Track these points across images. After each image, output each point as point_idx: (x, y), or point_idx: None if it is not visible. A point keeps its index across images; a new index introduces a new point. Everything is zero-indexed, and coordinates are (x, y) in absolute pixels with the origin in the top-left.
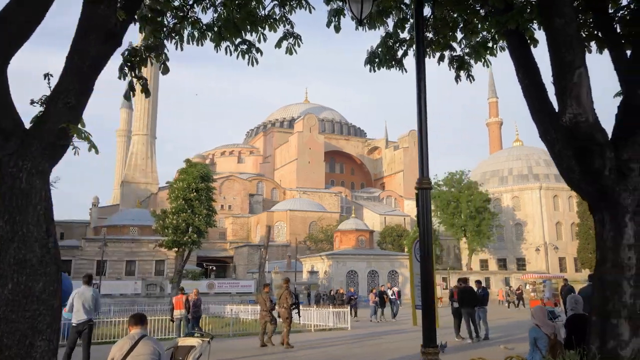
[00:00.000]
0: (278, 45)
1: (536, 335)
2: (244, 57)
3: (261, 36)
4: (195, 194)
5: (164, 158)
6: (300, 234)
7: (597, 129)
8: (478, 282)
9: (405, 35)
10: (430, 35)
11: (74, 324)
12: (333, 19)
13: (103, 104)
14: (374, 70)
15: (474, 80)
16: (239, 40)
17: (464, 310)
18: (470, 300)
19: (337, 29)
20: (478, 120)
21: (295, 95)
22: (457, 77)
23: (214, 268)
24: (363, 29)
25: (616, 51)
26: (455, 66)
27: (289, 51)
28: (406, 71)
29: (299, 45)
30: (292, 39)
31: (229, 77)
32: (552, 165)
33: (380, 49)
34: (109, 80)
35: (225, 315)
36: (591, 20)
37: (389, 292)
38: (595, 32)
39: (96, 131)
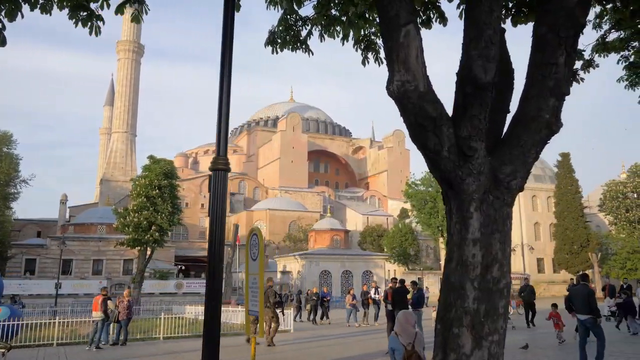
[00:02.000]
0: (119, 11)
1: (393, 345)
2: (84, 26)
3: (104, 3)
4: (157, 191)
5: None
6: (280, 233)
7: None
8: (413, 283)
9: (309, 12)
10: (337, 13)
11: None
12: None
13: (88, 104)
14: (277, 52)
15: (382, 63)
16: (74, 4)
17: (397, 312)
18: (404, 302)
19: (237, 7)
20: None
21: (282, 94)
22: (365, 60)
23: (183, 267)
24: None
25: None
26: (362, 47)
27: (135, 19)
28: (312, 53)
29: (146, 13)
30: (136, 4)
31: (215, 75)
32: None
33: (280, 28)
34: (93, 79)
35: (185, 315)
36: None
37: (372, 292)
38: None
39: (82, 132)
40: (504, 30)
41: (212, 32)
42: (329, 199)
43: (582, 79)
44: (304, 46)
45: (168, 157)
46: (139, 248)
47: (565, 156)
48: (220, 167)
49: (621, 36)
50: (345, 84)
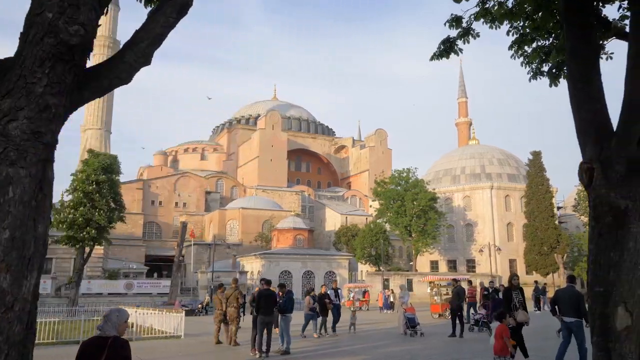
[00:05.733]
0: None
1: None
2: None
3: None
4: (95, 186)
5: (131, 154)
6: (253, 232)
7: None
8: (281, 286)
9: None
10: None
11: None
12: None
13: None
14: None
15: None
16: None
17: (260, 318)
18: (268, 307)
19: None
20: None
21: (267, 93)
22: None
23: (135, 267)
24: None
25: None
26: None
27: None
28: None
29: None
30: None
31: (201, 73)
32: (506, 164)
33: None
34: None
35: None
36: None
37: (332, 294)
38: None
39: (70, 129)
40: None
41: (196, 29)
42: (309, 198)
43: (461, 50)
44: None
45: (148, 156)
46: (77, 247)
47: (537, 155)
48: None
49: (502, 1)
50: (332, 84)
